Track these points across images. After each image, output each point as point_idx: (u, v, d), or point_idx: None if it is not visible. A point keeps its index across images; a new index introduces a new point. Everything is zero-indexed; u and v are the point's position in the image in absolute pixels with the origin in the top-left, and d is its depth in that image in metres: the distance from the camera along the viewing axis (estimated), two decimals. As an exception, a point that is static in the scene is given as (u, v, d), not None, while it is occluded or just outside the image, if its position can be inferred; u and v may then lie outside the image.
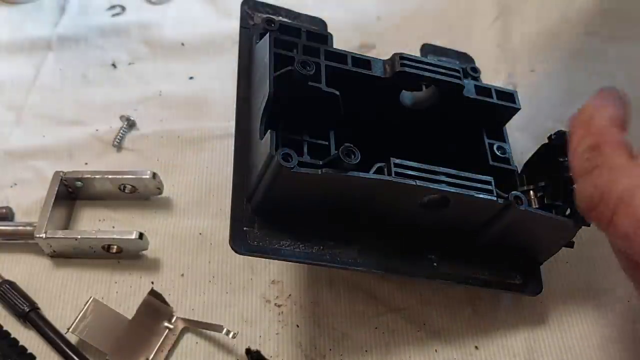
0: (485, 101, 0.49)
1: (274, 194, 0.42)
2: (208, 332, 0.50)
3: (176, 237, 0.55)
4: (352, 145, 0.40)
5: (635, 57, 0.67)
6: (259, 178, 0.42)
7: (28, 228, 0.53)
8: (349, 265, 0.45)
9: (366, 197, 0.43)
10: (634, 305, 0.51)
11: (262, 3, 0.53)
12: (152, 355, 0.48)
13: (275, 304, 0.52)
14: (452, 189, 0.43)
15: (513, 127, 0.62)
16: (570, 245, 0.49)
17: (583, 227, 0.46)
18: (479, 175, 0.44)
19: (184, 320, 0.50)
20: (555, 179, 0.47)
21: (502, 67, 0.67)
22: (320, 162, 0.40)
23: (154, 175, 0.55)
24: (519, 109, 0.50)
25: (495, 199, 0.44)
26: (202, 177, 0.59)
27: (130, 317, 0.49)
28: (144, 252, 0.54)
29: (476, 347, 0.50)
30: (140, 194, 0.56)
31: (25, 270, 0.53)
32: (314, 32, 0.49)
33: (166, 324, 0.50)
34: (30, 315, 0.50)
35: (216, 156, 0.60)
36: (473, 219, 0.46)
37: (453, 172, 0.43)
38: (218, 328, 0.49)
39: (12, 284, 0.51)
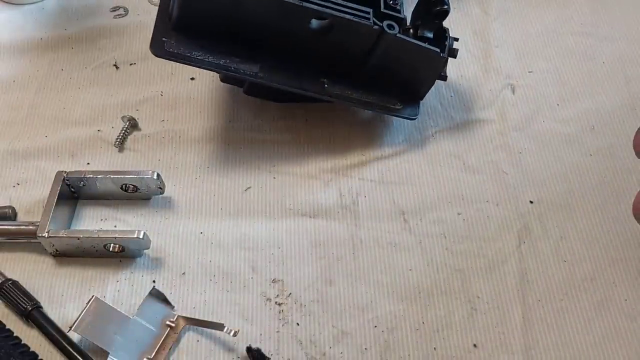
0: None
1: (186, 11, 0.51)
2: (209, 330, 0.50)
3: (177, 236, 0.56)
4: None
5: (631, 57, 0.68)
6: None
7: (31, 227, 0.53)
8: (250, 77, 0.54)
9: (263, 19, 0.52)
10: (632, 303, 0.51)
11: None
12: (153, 354, 0.49)
13: (276, 303, 0.52)
14: (335, 12, 0.51)
15: (511, 127, 0.62)
16: (443, 78, 0.58)
17: None
18: (361, 6, 0.52)
19: (185, 318, 0.51)
20: (428, 15, 0.55)
21: (500, 67, 0.67)
22: None
23: (156, 175, 0.55)
24: None
25: (371, 24, 0.51)
26: (203, 177, 0.60)
27: (132, 316, 0.50)
28: (145, 251, 0.54)
29: (475, 345, 0.50)
30: (142, 194, 0.57)
31: (28, 269, 0.54)
32: None
33: (167, 322, 0.50)
34: (33, 314, 0.50)
35: (217, 156, 0.61)
36: (356, 46, 0.54)
37: (339, 1, 0.52)
38: (219, 326, 0.49)
39: (14, 283, 0.52)
